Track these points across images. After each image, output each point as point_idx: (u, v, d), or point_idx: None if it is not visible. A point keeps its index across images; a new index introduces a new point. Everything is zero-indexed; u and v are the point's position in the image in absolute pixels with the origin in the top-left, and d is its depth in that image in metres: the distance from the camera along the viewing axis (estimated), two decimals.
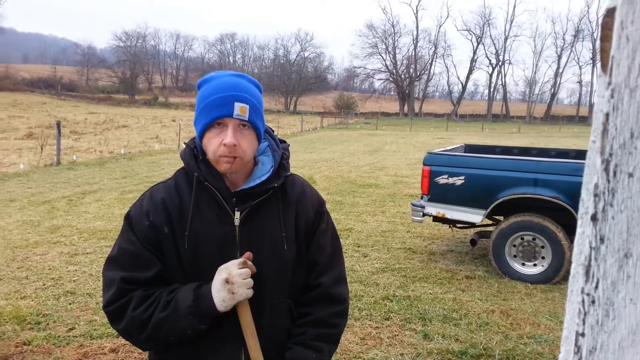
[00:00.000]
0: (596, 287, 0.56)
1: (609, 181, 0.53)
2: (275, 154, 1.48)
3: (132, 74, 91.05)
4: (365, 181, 12.31)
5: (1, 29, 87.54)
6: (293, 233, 1.46)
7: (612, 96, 0.52)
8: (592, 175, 0.54)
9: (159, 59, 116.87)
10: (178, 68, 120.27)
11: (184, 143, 1.48)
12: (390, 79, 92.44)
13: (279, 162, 1.47)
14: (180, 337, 1.35)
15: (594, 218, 0.54)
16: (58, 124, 14.94)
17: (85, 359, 3.53)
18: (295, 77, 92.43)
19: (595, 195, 0.54)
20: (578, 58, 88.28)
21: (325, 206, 1.58)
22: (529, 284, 5.23)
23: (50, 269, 5.37)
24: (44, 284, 4.93)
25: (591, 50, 78.46)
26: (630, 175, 0.52)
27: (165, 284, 1.39)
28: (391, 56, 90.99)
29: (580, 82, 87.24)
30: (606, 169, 0.53)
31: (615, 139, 0.52)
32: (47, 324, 4.06)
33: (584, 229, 0.56)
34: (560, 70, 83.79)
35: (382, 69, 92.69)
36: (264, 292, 1.41)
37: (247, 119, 1.34)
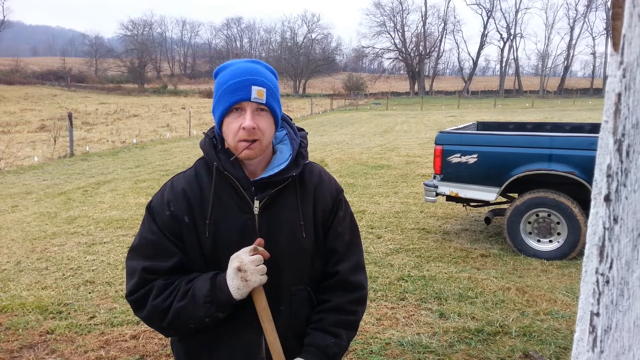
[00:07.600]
0: (610, 267, 0.55)
1: (622, 162, 0.52)
2: (293, 142, 1.48)
3: (141, 63, 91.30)
4: (377, 162, 12.28)
5: (9, 22, 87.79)
6: (311, 221, 1.47)
7: (624, 75, 0.51)
8: (604, 156, 0.54)
9: (166, 46, 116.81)
10: (185, 55, 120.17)
11: (203, 133, 1.49)
12: (400, 57, 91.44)
13: (297, 150, 1.47)
14: (199, 324, 1.37)
15: (607, 199, 0.54)
16: (70, 116, 15.06)
17: (107, 346, 3.61)
18: (303, 60, 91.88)
19: (608, 175, 0.54)
20: (591, 29, 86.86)
21: (343, 194, 1.58)
22: (545, 261, 5.22)
23: (69, 259, 5.47)
24: (64, 274, 5.03)
25: (604, 20, 76.81)
26: None
27: (186, 273, 1.42)
28: (400, 34, 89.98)
29: (593, 53, 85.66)
30: (619, 149, 0.52)
31: (628, 119, 0.51)
32: (69, 313, 4.15)
33: (597, 210, 0.56)
34: (573, 42, 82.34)
35: (390, 48, 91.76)
36: (283, 279, 1.43)
37: (264, 102, 1.35)
